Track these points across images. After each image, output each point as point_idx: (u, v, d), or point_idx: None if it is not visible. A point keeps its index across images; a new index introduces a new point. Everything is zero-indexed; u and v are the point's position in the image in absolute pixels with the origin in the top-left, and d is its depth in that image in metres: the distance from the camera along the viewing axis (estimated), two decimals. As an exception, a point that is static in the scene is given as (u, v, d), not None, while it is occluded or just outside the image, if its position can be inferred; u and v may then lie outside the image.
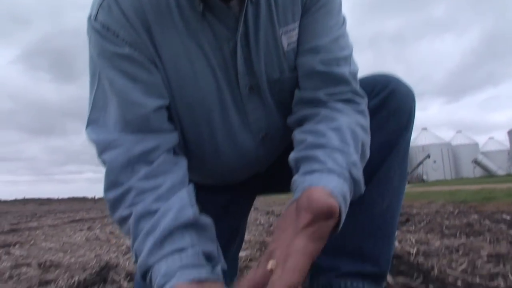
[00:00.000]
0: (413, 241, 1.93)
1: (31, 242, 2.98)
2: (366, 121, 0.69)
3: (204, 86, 0.66)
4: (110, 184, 0.60)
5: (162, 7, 0.62)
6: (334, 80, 0.68)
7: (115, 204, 0.59)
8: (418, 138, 34.24)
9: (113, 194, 0.59)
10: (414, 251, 1.63)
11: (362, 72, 0.81)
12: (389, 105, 0.78)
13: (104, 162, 0.61)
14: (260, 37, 0.66)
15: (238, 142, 0.72)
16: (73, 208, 13.04)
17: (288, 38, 0.69)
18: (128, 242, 2.84)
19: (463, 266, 1.34)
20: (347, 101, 0.69)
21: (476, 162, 29.44)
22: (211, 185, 0.84)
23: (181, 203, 0.58)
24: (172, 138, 0.65)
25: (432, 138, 33.73)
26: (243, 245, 1.73)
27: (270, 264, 0.46)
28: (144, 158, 0.60)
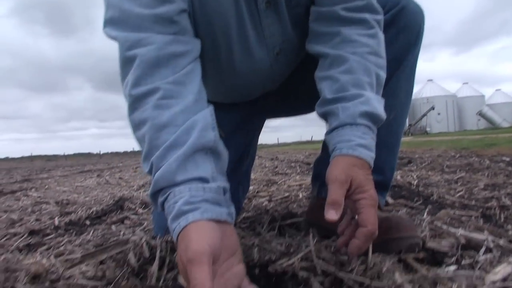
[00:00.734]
0: (415, 176, 2.00)
1: (46, 187, 3.11)
2: (379, 45, 0.71)
3: None
4: (136, 80, 0.58)
5: None
6: None
7: (138, 101, 0.58)
8: (423, 89, 33.69)
9: (138, 91, 0.57)
10: (415, 183, 1.69)
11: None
12: (399, 21, 0.80)
13: (131, 59, 0.58)
14: None
15: (253, 57, 0.74)
16: (79, 162, 13.37)
17: None
18: (139, 181, 2.95)
19: (461, 193, 1.41)
20: (361, 22, 0.70)
21: (481, 114, 29.21)
22: (225, 103, 0.88)
23: (205, 123, 0.57)
24: (198, 47, 0.65)
25: (438, 90, 33.21)
26: (252, 180, 1.81)
27: None
28: (174, 61, 0.59)
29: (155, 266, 0.59)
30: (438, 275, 0.57)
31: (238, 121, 0.90)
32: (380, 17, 0.73)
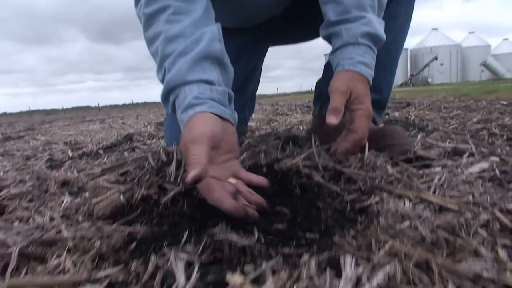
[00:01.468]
0: (412, 114, 2.06)
1: (52, 132, 3.18)
2: None
3: None
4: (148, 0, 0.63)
5: None
6: None
7: (151, 18, 0.63)
8: (426, 39, 32.59)
9: (151, 9, 0.63)
10: (412, 118, 1.76)
11: None
12: None
13: None
14: None
15: None
16: (79, 115, 13.37)
17: None
18: (144, 122, 3.01)
19: (455, 125, 1.48)
20: None
21: (485, 65, 28.55)
22: (231, 28, 0.91)
23: (212, 35, 0.62)
24: None
25: (442, 39, 32.15)
26: (254, 120, 1.86)
27: None
28: None
29: (173, 167, 0.66)
30: (424, 170, 0.64)
31: (244, 45, 0.94)
32: None
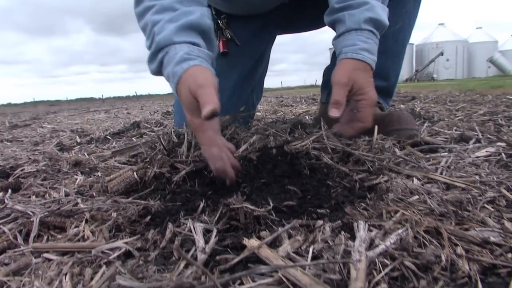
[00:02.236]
0: (418, 107, 2.06)
1: (58, 121, 3.20)
2: None
3: None
4: None
5: None
6: None
7: None
8: (433, 34, 32.27)
9: None
10: (418, 110, 1.76)
11: None
12: None
13: None
14: None
15: None
16: (83, 106, 13.43)
17: None
18: (150, 111, 3.02)
19: (460, 117, 1.48)
20: None
21: (491, 61, 28.25)
22: (241, 15, 0.93)
23: (202, 12, 0.65)
24: None
25: (448, 35, 31.81)
26: (259, 110, 1.86)
27: None
28: None
29: (184, 147, 0.67)
30: (431, 154, 0.65)
31: (253, 31, 0.95)
32: None
